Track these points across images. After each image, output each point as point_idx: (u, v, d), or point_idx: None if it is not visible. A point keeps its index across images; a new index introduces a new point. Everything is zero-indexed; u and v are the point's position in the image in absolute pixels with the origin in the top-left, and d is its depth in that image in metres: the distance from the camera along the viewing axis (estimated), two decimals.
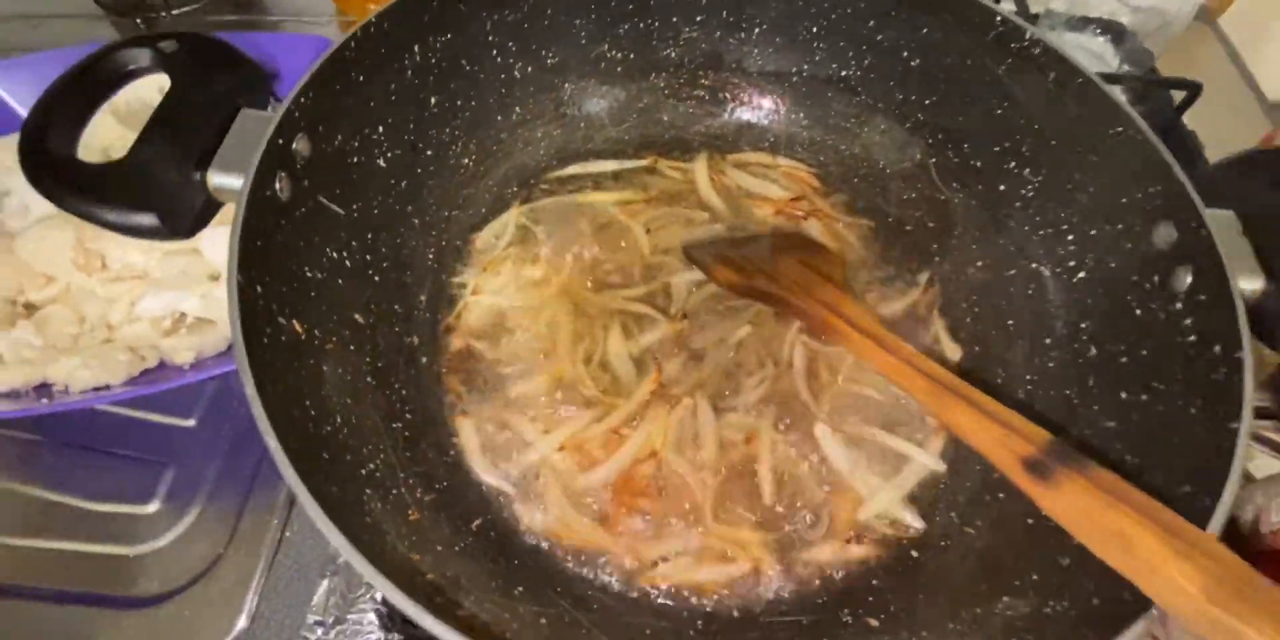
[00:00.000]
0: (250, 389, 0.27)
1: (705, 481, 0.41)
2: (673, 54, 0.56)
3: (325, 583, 0.45)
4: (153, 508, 0.49)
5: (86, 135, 0.54)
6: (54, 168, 0.33)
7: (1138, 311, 0.38)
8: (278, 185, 0.36)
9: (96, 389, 0.47)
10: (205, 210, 0.36)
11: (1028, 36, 0.43)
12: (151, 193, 0.34)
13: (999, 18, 0.44)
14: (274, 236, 0.35)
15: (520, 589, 0.36)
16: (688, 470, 0.42)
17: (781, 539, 0.40)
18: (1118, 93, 0.40)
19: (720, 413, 0.44)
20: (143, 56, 0.38)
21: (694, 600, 0.39)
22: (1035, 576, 0.34)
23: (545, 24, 0.51)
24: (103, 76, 0.37)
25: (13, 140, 0.59)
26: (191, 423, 0.53)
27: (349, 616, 0.43)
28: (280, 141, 0.36)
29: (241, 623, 0.44)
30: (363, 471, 0.35)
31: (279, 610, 0.45)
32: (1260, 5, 0.81)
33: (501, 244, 0.51)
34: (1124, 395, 0.37)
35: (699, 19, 0.54)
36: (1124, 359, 0.38)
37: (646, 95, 0.57)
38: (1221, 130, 0.69)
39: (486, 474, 0.43)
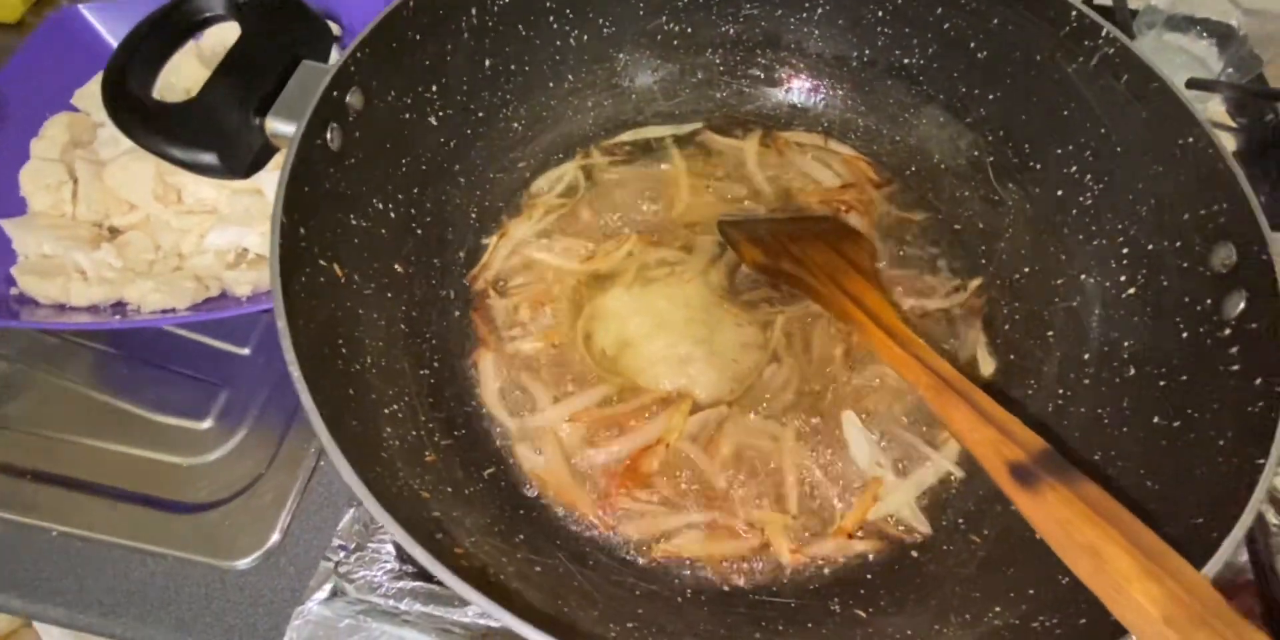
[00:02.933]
0: (281, 321, 0.30)
1: (724, 471, 0.42)
2: (731, 30, 0.55)
3: (351, 511, 0.49)
4: (205, 425, 0.54)
5: (173, 76, 0.57)
6: (131, 106, 0.36)
7: (1184, 334, 0.37)
8: (329, 135, 0.38)
9: (164, 311, 0.52)
10: (262, 153, 0.39)
11: (1103, 34, 0.41)
12: (214, 134, 0.37)
13: (1075, 13, 0.42)
14: (322, 183, 0.38)
15: (521, 537, 0.38)
16: (702, 460, 0.43)
17: (791, 527, 0.41)
18: (1191, 98, 0.38)
19: (744, 414, 0.44)
20: (217, 4, 0.40)
21: (687, 570, 0.40)
22: (1031, 591, 0.34)
23: None
24: (180, 22, 0.40)
25: None
26: (246, 351, 0.57)
27: (369, 544, 0.47)
28: (334, 93, 0.38)
29: (274, 538, 0.48)
30: (385, 411, 0.38)
31: (308, 531, 0.49)
32: None
33: (554, 192, 0.53)
34: (1156, 420, 0.36)
35: None
36: (1162, 382, 0.37)
37: (700, 71, 0.57)
38: None
39: (497, 409, 0.45)
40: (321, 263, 0.37)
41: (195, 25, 0.39)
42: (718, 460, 0.43)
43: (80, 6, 0.64)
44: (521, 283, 0.50)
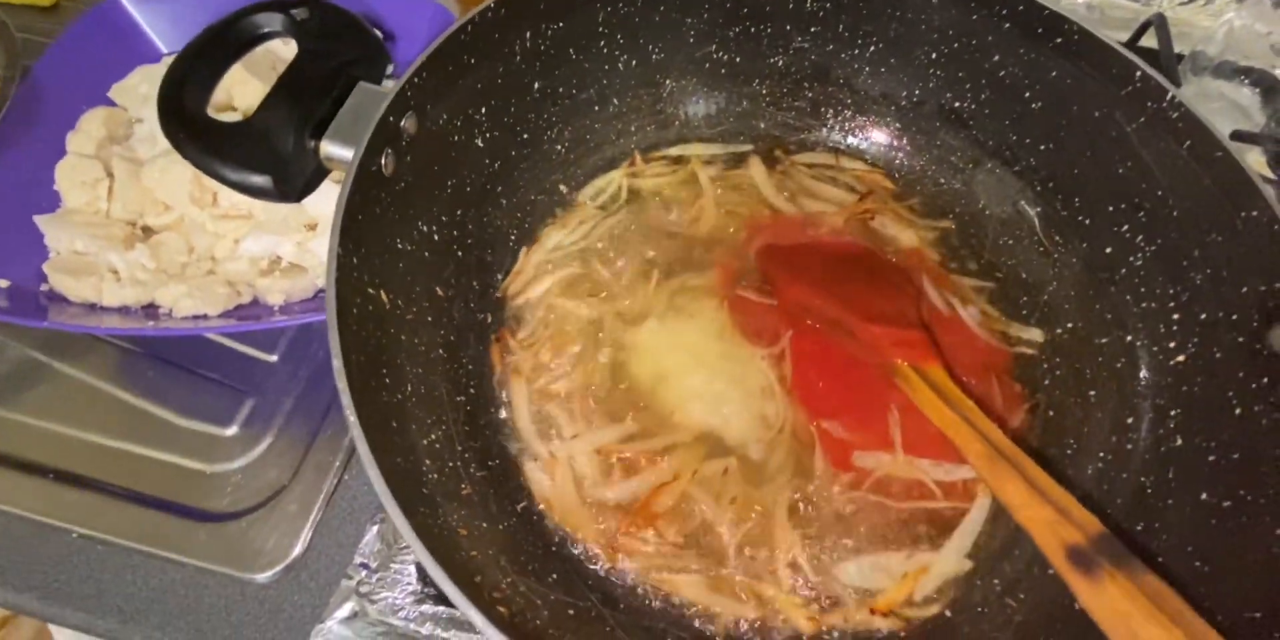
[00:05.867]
0: (337, 361, 0.30)
1: (731, 526, 0.41)
2: (780, 62, 0.54)
3: (374, 529, 0.48)
4: (231, 431, 0.54)
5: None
6: (186, 124, 0.36)
7: (1237, 410, 0.36)
8: (383, 160, 0.38)
9: (196, 317, 0.52)
10: (314, 176, 0.39)
11: (1168, 98, 0.40)
12: (269, 156, 0.36)
13: (1139, 73, 0.41)
14: (374, 209, 0.37)
15: (554, 577, 0.38)
16: (712, 510, 0.42)
17: (798, 602, 0.40)
18: (1257, 174, 0.37)
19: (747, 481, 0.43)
20: (275, 21, 0.40)
21: (712, 621, 0.40)
22: None
23: (656, 20, 0.51)
24: (236, 38, 0.39)
25: (151, 70, 0.63)
26: (274, 359, 0.56)
27: (392, 564, 0.47)
28: (390, 119, 0.38)
29: (296, 551, 0.48)
30: (424, 442, 0.38)
31: (330, 546, 0.49)
32: None
33: (596, 203, 0.53)
34: (1204, 496, 0.36)
35: (813, 30, 0.52)
36: (1212, 457, 0.37)
37: (746, 101, 0.56)
38: None
39: (529, 434, 0.44)
40: (370, 291, 0.37)
41: (251, 41, 0.39)
42: (724, 514, 0.42)
43: None
44: (541, 328, 0.48)
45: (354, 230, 0.35)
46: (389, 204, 0.39)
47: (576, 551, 0.41)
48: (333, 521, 0.50)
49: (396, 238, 0.41)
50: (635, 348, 0.49)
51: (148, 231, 0.57)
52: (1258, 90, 0.68)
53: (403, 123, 0.38)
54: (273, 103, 0.37)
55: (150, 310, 0.53)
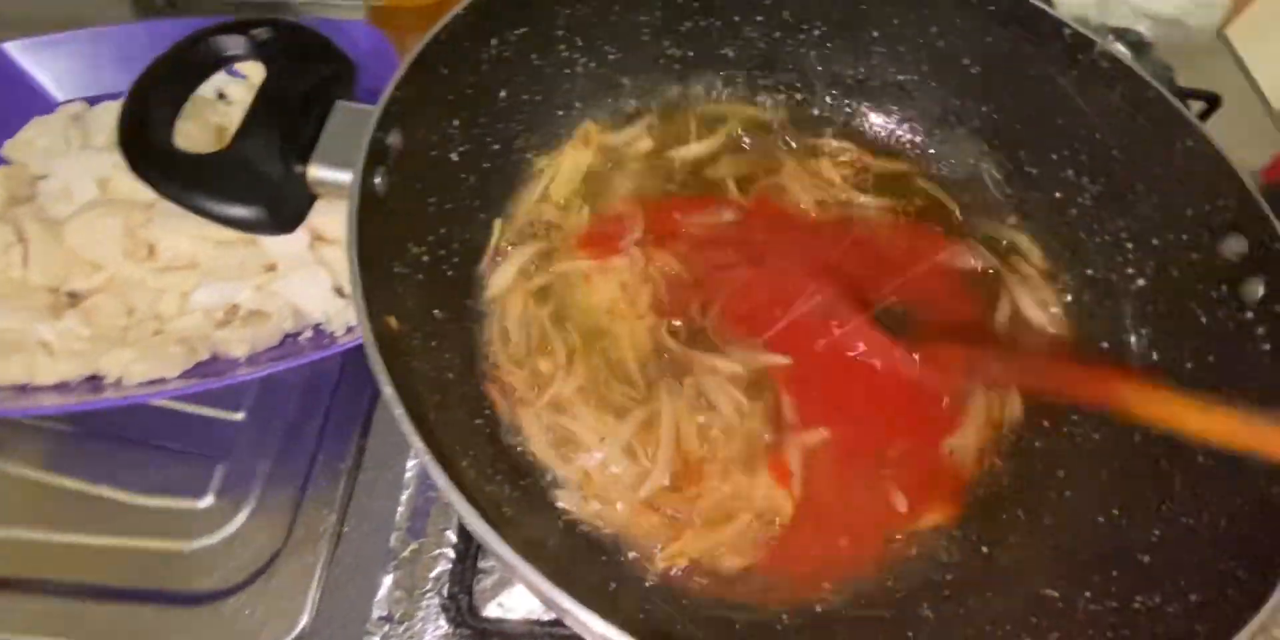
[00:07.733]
0: (388, 390, 0.27)
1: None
2: (730, 53, 0.56)
3: (389, 578, 0.45)
4: (205, 503, 0.48)
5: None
6: (158, 160, 0.33)
7: (1203, 319, 0.40)
8: (377, 179, 0.35)
9: (152, 382, 0.46)
10: (304, 204, 0.36)
11: (1096, 49, 0.44)
12: (258, 185, 0.34)
13: (1068, 31, 0.45)
14: (376, 231, 0.35)
15: (613, 585, 0.36)
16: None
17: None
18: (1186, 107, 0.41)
19: None
20: (236, 44, 0.37)
21: (775, 596, 0.39)
22: (1115, 573, 0.35)
23: (612, 20, 0.51)
24: (197, 63, 0.36)
25: (47, 121, 0.57)
26: (240, 416, 0.51)
27: (417, 612, 0.43)
28: (379, 135, 0.35)
29: (304, 620, 0.44)
30: (460, 465, 0.35)
31: (342, 606, 0.45)
32: (1268, 15, 0.83)
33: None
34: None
35: (759, 19, 0.54)
36: (1189, 364, 0.40)
37: (703, 91, 0.57)
38: (1237, 144, 0.72)
39: (551, 461, 0.42)
40: (381, 317, 0.34)
41: (213, 66, 0.36)
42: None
43: (4, 45, 0.57)
44: (524, 336, 0.46)
45: (364, 255, 0.32)
46: (386, 226, 0.36)
47: (630, 557, 0.39)
48: (340, 579, 0.46)
49: (393, 261, 0.38)
50: (611, 335, 0.47)
51: (75, 297, 0.50)
52: (1128, 48, 0.77)
53: (389, 139, 0.36)
54: (252, 129, 0.34)
55: (94, 382, 0.47)
